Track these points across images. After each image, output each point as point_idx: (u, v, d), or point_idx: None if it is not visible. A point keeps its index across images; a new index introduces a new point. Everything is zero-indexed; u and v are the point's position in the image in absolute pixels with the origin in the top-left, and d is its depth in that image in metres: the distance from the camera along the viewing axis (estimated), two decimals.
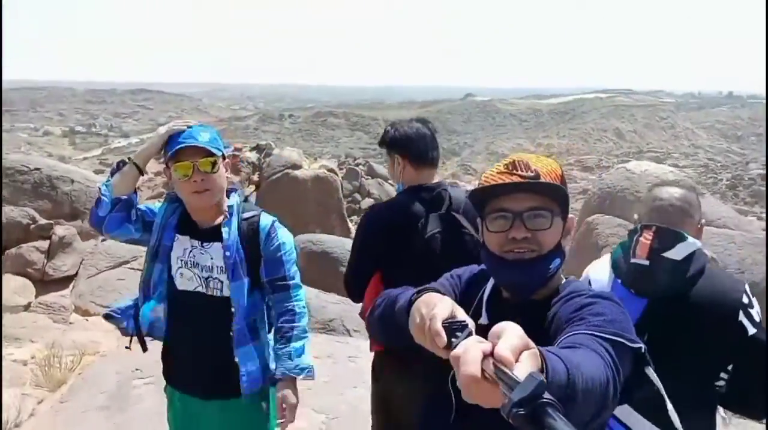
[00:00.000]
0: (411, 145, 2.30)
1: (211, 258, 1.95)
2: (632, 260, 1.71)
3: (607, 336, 1.01)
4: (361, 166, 35.49)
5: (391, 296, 1.29)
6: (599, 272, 1.86)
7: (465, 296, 1.33)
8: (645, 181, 15.39)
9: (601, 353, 0.97)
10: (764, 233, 8.80)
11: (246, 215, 2.02)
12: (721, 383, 1.70)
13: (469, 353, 0.77)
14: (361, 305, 2.41)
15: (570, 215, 1.26)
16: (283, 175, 17.16)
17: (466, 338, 0.81)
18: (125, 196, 1.98)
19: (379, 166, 37.47)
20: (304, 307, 2.04)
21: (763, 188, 36.72)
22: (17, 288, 7.06)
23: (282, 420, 1.93)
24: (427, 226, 2.22)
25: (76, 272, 7.57)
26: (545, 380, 0.68)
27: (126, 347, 2.09)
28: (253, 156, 20.51)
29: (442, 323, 0.91)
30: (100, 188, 1.96)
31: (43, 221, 8.21)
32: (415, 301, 1.04)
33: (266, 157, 19.88)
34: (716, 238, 7.28)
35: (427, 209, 2.25)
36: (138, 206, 2.03)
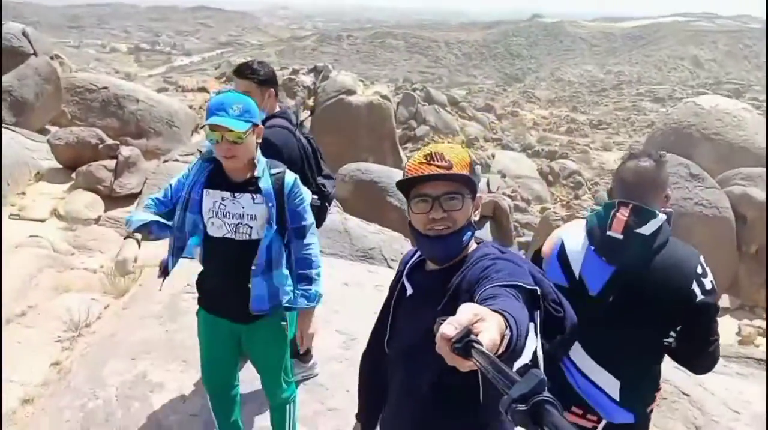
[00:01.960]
0: (277, 81, 2.95)
1: (243, 207, 2.22)
2: (608, 233, 1.86)
3: (509, 283, 1.25)
4: (418, 92, 34.73)
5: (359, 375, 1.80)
6: (573, 239, 1.98)
7: (398, 275, 1.64)
8: (715, 118, 14.32)
9: (515, 295, 1.20)
10: None
11: (273, 170, 2.27)
12: (670, 340, 1.89)
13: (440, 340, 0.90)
14: None
15: (478, 195, 1.50)
16: (337, 101, 17.18)
17: None
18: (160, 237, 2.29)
19: (437, 92, 36.42)
20: (317, 254, 2.41)
21: None
22: (88, 203, 7.64)
23: (302, 346, 2.40)
24: (299, 139, 2.92)
25: (141, 190, 8.10)
26: (546, 378, 0.72)
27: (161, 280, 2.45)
28: (308, 80, 20.59)
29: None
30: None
31: (110, 141, 8.72)
32: None
33: (323, 80, 19.87)
34: None
35: (293, 126, 2.94)
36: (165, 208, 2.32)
